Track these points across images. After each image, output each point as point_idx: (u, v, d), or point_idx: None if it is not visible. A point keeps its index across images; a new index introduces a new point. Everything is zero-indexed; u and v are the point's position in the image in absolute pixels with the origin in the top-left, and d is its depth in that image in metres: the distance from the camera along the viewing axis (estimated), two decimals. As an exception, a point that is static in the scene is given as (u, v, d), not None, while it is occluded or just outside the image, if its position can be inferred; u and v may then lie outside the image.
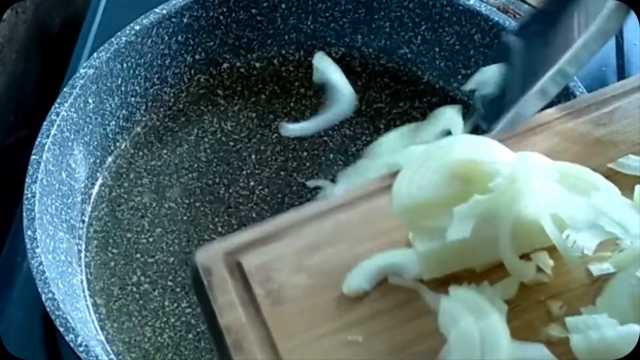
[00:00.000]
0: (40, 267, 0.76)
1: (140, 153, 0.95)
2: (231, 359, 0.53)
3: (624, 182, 0.58)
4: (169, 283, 0.86)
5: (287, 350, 0.53)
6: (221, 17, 0.96)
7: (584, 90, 0.86)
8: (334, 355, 0.53)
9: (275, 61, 1.00)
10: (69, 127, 0.86)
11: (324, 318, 0.55)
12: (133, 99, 0.94)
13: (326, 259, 0.57)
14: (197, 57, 0.97)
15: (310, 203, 0.60)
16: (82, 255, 0.86)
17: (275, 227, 0.58)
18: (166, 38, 0.93)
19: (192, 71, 0.98)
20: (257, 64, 1.00)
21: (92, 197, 0.90)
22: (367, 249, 0.57)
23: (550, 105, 0.65)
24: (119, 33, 0.90)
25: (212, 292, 0.55)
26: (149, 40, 0.92)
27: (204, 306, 0.56)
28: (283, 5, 0.97)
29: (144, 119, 0.96)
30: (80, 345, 0.73)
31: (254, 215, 0.90)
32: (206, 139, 0.96)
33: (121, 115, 0.93)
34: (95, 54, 0.88)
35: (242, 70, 1.00)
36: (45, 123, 0.84)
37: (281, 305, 0.55)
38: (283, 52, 1.01)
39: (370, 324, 0.55)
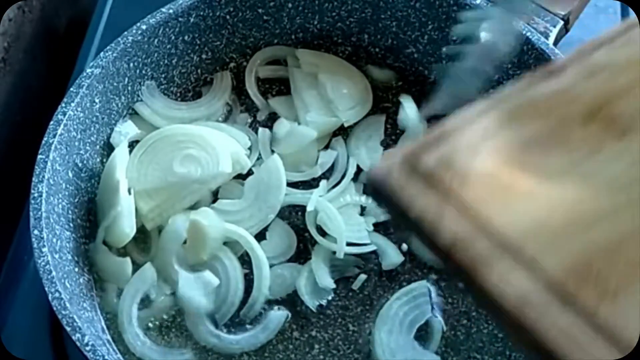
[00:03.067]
0: (47, 266, 0.76)
1: (147, 152, 0.95)
2: (432, 238, 0.56)
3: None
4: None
5: (495, 213, 0.57)
6: (228, 17, 0.96)
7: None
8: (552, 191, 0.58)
9: (282, 61, 1.00)
10: (75, 127, 0.86)
11: (519, 185, 0.58)
12: (139, 98, 0.94)
13: (502, 141, 0.60)
14: (203, 56, 0.97)
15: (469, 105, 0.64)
16: (88, 254, 0.86)
17: (445, 128, 0.61)
18: (173, 37, 0.93)
19: (199, 71, 0.98)
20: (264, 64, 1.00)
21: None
22: (539, 125, 0.61)
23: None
24: (125, 32, 0.90)
25: (394, 192, 0.58)
26: (156, 40, 0.92)
27: (391, 211, 0.60)
28: (289, 5, 0.97)
29: (150, 118, 0.96)
30: (87, 344, 0.73)
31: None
32: (212, 139, 0.96)
33: (127, 115, 0.93)
34: (101, 54, 0.88)
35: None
36: (51, 122, 0.84)
37: (470, 180, 0.58)
38: (289, 51, 1.01)
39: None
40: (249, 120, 0.97)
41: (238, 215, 0.87)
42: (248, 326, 0.84)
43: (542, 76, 0.65)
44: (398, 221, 0.60)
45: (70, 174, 0.85)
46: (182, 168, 0.86)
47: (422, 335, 0.84)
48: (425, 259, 0.87)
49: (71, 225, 0.84)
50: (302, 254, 0.88)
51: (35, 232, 0.78)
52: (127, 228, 0.84)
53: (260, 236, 0.87)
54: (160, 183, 0.86)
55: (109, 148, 0.91)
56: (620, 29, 0.68)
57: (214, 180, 0.88)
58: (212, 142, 0.88)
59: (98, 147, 0.90)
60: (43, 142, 0.83)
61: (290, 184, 0.90)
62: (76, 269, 0.83)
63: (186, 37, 0.94)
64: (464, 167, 0.59)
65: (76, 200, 0.86)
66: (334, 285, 0.86)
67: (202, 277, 0.84)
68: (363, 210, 0.90)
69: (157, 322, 0.84)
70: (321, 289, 0.86)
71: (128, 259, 0.84)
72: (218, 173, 0.87)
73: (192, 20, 0.93)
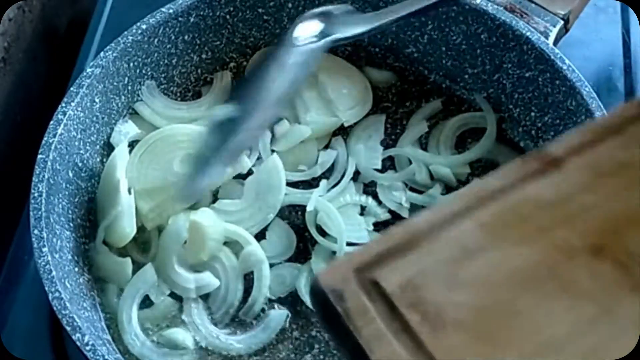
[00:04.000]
0: (47, 266, 0.76)
1: (147, 152, 0.95)
2: None
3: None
4: (176, 282, 0.87)
5: None
6: (228, 17, 0.96)
7: (591, 90, 0.85)
8: None
9: (282, 60, 1.00)
10: (75, 127, 0.86)
11: (508, 341, 0.44)
12: (139, 98, 0.94)
13: (487, 268, 0.46)
14: (203, 56, 0.97)
15: (444, 199, 0.50)
16: (89, 254, 0.86)
17: (409, 232, 0.47)
18: (173, 37, 0.93)
19: (199, 70, 0.98)
20: (264, 63, 1.00)
21: (99, 196, 0.90)
22: (533, 252, 0.46)
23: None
24: (125, 32, 0.90)
25: (352, 323, 0.45)
26: (156, 40, 0.92)
27: (341, 340, 0.46)
28: (289, 5, 0.97)
29: (150, 118, 0.96)
30: (87, 344, 0.73)
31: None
32: (212, 138, 0.96)
33: (128, 115, 0.93)
34: (101, 53, 0.88)
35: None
36: (52, 122, 0.84)
37: (445, 330, 0.44)
38: (289, 51, 1.01)
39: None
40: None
41: (238, 215, 0.87)
42: (248, 327, 0.84)
43: (538, 167, 0.49)
44: (347, 353, 0.46)
45: (70, 174, 0.85)
46: (182, 168, 0.86)
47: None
48: None
49: (71, 225, 0.84)
50: (302, 254, 0.88)
51: (35, 232, 0.78)
52: (127, 228, 0.84)
53: (260, 236, 0.87)
54: (160, 183, 0.86)
55: (109, 148, 0.91)
56: (629, 112, 0.52)
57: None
58: None
59: (98, 147, 0.90)
60: (43, 142, 0.83)
61: (290, 184, 0.90)
62: (76, 269, 0.83)
63: (186, 37, 0.94)
64: (436, 304, 0.44)
65: (76, 200, 0.86)
66: None
67: (202, 278, 0.84)
68: (363, 210, 0.90)
69: (157, 323, 0.84)
70: None
71: (128, 260, 0.84)
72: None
73: (192, 20, 0.93)
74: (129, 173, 0.87)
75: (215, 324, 0.84)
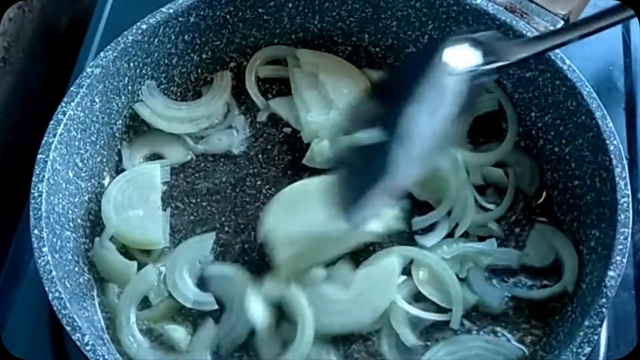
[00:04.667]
0: (47, 266, 0.76)
1: (147, 152, 0.95)
2: None
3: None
4: (176, 282, 0.87)
5: None
6: (228, 17, 0.96)
7: (591, 90, 0.85)
8: None
9: (282, 60, 1.00)
10: (75, 126, 0.86)
11: None
12: (140, 98, 0.94)
13: None
14: (203, 56, 0.97)
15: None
16: (89, 254, 0.86)
17: None
18: (173, 37, 0.93)
19: (199, 70, 0.98)
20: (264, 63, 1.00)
21: (99, 196, 0.89)
22: None
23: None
24: (125, 32, 0.90)
25: None
26: (156, 40, 0.92)
27: None
28: (290, 5, 0.97)
29: (150, 118, 0.96)
30: (87, 344, 0.73)
31: (260, 214, 0.90)
32: (213, 138, 0.96)
33: (128, 115, 0.93)
34: (102, 53, 0.88)
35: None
36: (52, 122, 0.84)
37: None
38: (290, 51, 1.01)
39: None
40: (248, 121, 0.97)
41: (335, 307, 0.83)
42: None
43: None
44: None
45: (71, 174, 0.85)
46: (323, 222, 0.81)
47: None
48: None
49: (71, 225, 0.84)
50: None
51: (35, 232, 0.78)
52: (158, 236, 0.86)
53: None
54: (300, 233, 0.84)
55: (108, 148, 0.91)
56: None
57: (354, 240, 0.86)
58: None
59: (98, 146, 0.90)
60: (43, 141, 0.83)
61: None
62: (76, 269, 0.83)
63: (186, 37, 0.94)
64: None
65: (76, 200, 0.86)
66: (421, 342, 0.83)
67: (205, 296, 0.84)
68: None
69: (156, 324, 0.84)
70: (408, 348, 0.83)
71: (135, 263, 0.85)
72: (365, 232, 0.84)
73: (192, 19, 0.93)
74: (271, 219, 0.86)
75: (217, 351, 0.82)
